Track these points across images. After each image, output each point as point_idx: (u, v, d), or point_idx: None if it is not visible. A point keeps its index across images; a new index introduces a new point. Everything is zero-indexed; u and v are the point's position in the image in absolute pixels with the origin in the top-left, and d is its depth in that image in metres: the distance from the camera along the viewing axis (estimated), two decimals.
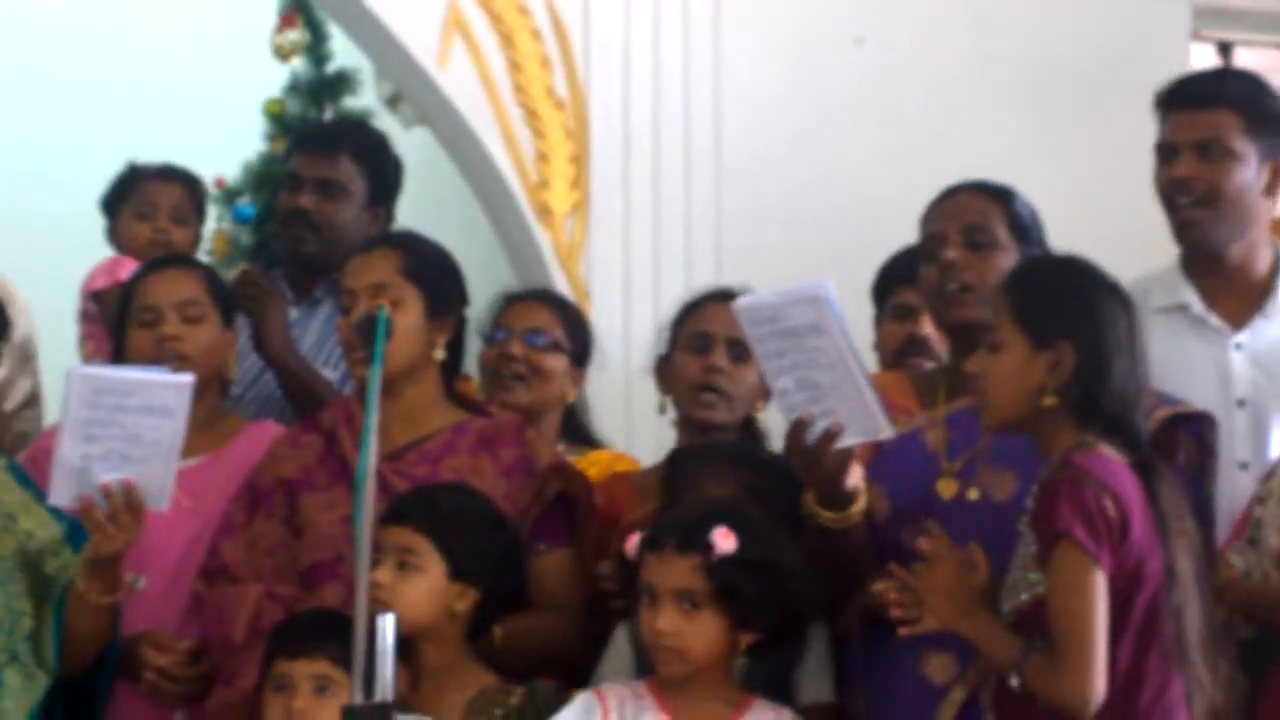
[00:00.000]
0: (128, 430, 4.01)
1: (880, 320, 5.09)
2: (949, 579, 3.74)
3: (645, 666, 3.95)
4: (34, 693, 4.17)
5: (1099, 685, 3.55)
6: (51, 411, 4.92)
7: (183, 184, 5.46)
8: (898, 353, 4.97)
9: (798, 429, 3.86)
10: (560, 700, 3.93)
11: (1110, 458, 3.66)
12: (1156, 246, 4.55)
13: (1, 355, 4.48)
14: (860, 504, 3.94)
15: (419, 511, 4.05)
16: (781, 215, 5.97)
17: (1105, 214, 5.68)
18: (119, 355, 4.55)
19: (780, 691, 4.00)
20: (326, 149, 5.40)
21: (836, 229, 5.87)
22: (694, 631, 3.79)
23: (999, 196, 4.27)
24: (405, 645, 3.73)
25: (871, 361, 4.88)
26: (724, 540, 3.78)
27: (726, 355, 4.50)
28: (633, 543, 3.90)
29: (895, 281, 5.02)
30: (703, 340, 4.54)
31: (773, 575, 3.81)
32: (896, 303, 5.03)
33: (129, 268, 4.97)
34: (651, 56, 6.01)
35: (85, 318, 5.37)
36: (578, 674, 4.13)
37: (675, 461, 4.32)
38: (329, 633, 3.91)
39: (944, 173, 4.39)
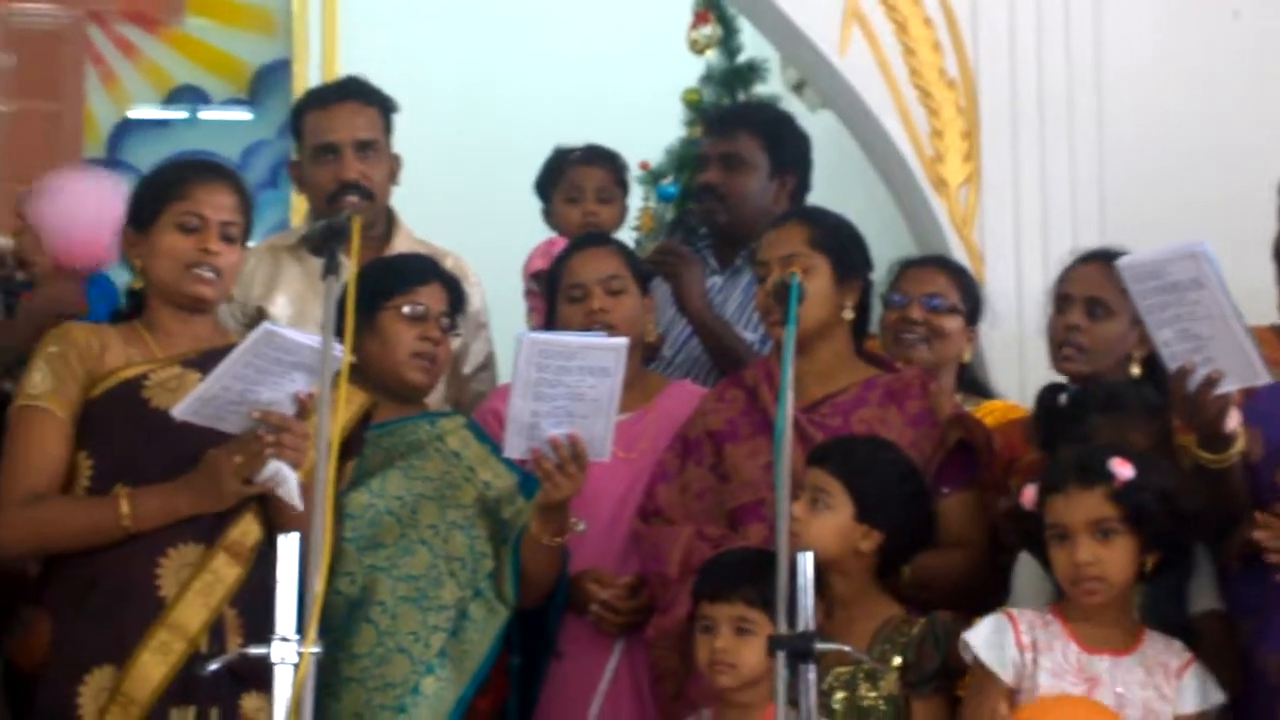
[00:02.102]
0: (571, 389, 4.09)
1: None
2: None
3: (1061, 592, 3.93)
4: (495, 624, 4.30)
5: None
6: (502, 375, 5.05)
7: (605, 165, 5.52)
8: None
9: (1180, 377, 3.83)
10: (959, 630, 3.93)
11: None
12: None
13: (459, 325, 4.60)
14: (1238, 446, 3.89)
15: (836, 457, 4.10)
16: (1161, 181, 5.86)
17: None
18: (551, 328, 4.64)
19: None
20: (727, 127, 5.49)
21: (1215, 194, 5.74)
22: (1111, 557, 3.77)
23: None
24: (821, 580, 3.78)
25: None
26: (1122, 468, 3.77)
27: (1083, 313, 4.47)
28: (1029, 494, 3.89)
29: None
30: (1063, 300, 4.53)
31: (1169, 495, 3.79)
32: None
33: (561, 248, 5.06)
34: (1035, 36, 5.95)
35: (529, 295, 5.50)
36: (983, 605, 4.14)
37: (1075, 398, 4.29)
38: (745, 576, 3.96)
39: None
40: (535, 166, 5.58)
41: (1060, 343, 4.51)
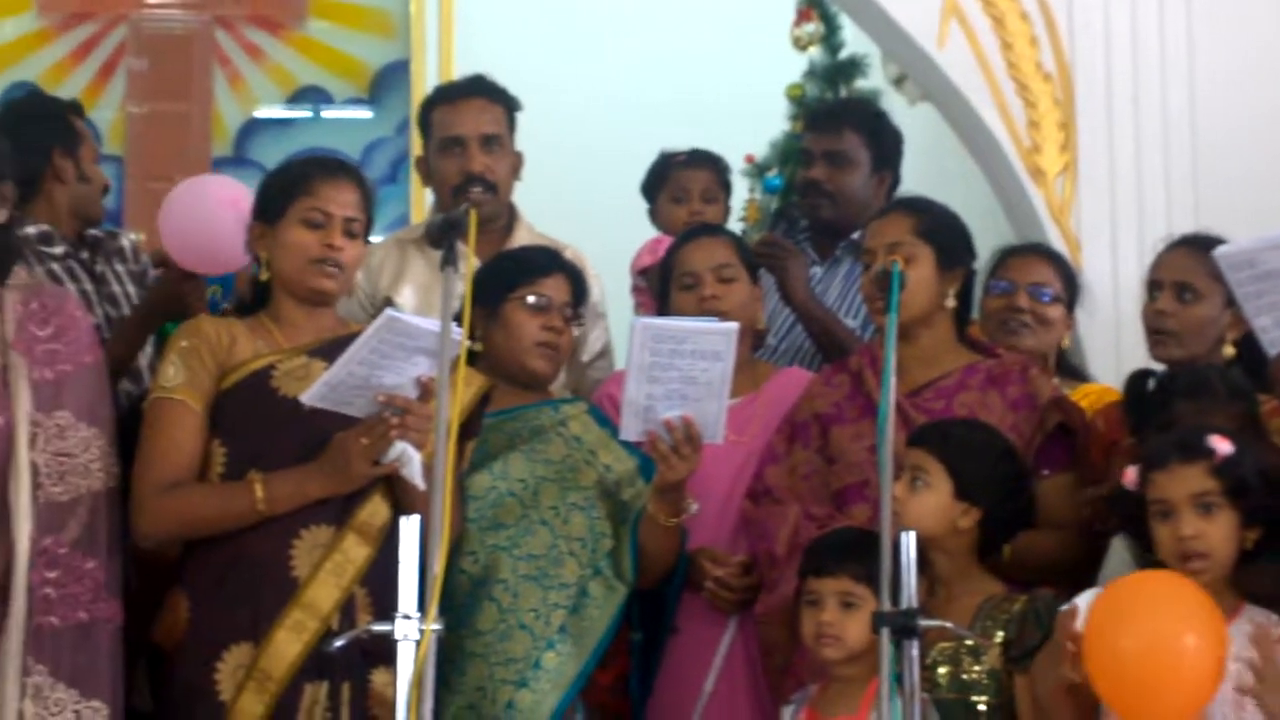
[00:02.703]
0: (684, 373, 4.11)
1: None
2: None
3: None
4: (614, 601, 4.32)
5: None
6: (618, 365, 5.06)
7: (709, 167, 5.57)
8: None
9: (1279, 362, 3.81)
10: (1058, 607, 3.92)
11: None
12: None
13: (580, 316, 4.63)
14: None
15: (934, 437, 4.12)
16: (1254, 169, 5.83)
17: None
18: (665, 316, 4.63)
19: None
20: (831, 125, 5.49)
21: None
22: (1214, 531, 3.74)
23: None
24: (924, 558, 3.79)
25: None
26: (1222, 444, 3.75)
27: (1173, 297, 4.43)
28: (1131, 474, 3.86)
29: None
30: (1154, 286, 4.50)
31: (1266, 470, 3.77)
32: None
33: (667, 246, 5.07)
34: (1129, 29, 5.93)
35: (635, 291, 5.55)
36: (1079, 585, 4.12)
37: (1162, 383, 4.27)
38: (851, 553, 3.98)
39: None
40: (647, 163, 5.61)
41: (1153, 329, 4.48)
